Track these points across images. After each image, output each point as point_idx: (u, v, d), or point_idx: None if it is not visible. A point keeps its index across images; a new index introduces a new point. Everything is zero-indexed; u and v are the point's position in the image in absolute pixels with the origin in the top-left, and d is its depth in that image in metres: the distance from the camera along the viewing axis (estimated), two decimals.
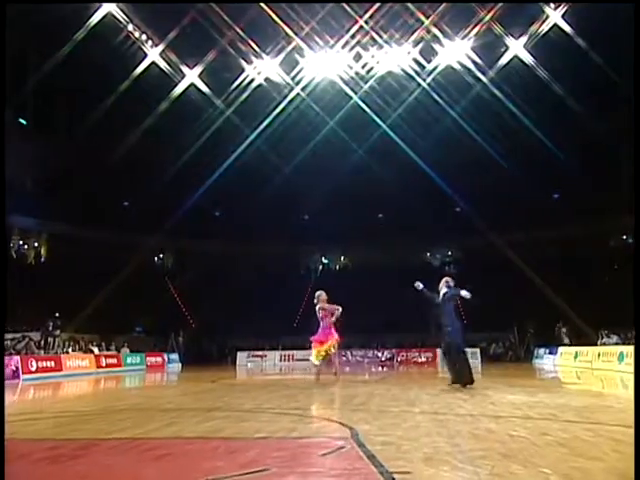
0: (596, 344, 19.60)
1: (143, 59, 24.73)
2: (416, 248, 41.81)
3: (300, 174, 32.07)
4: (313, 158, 30.16)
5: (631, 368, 14.40)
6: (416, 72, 24.50)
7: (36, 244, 37.91)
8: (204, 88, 26.39)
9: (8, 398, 8.81)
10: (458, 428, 4.50)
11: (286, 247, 38.37)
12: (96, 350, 22.96)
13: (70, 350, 21.48)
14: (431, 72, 24.37)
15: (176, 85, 26.04)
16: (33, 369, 15.26)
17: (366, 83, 24.80)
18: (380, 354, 26.79)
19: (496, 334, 28.93)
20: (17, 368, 14.65)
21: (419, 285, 10.29)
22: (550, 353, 22.49)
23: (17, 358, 14.96)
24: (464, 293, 9.89)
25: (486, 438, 4.03)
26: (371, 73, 25.01)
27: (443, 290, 10.14)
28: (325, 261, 44.52)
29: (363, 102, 25.39)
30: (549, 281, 26.28)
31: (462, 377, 9.18)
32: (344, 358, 26.52)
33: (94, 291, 26.79)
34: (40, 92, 29.93)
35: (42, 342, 18.95)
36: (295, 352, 25.83)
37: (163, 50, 25.05)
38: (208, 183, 30.89)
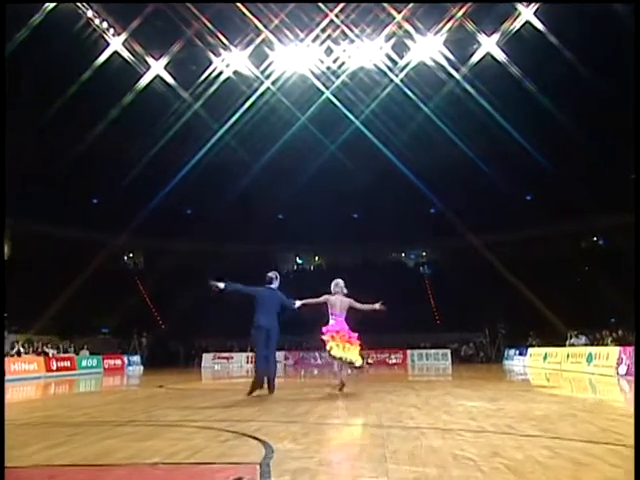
0: (565, 345, 19.31)
1: (105, 49, 23.69)
2: (391, 248, 41.62)
3: (271, 171, 31.44)
4: (284, 154, 29.50)
5: (599, 370, 14.05)
6: (389, 68, 24.02)
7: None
8: (170, 80, 25.47)
9: None
10: (396, 446, 3.86)
11: (259, 246, 37.63)
12: (51, 352, 21.90)
13: (22, 352, 20.42)
14: (403, 68, 23.90)
15: (141, 77, 25.06)
16: None
17: (338, 78, 24.20)
18: None
19: (468, 335, 28.66)
20: None
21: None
22: (520, 354, 22.19)
23: None
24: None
25: (425, 461, 3.39)
26: (343, 68, 24.43)
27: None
28: (299, 261, 43.92)
29: (335, 97, 24.78)
30: (520, 282, 26.07)
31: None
32: (312, 360, 25.96)
33: (59, 291, 25.82)
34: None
35: None
36: None
37: (126, 39, 24.07)
38: (177, 180, 30.05)
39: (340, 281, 9.02)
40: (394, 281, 34.08)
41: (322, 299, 8.90)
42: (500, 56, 24.03)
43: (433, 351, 25.93)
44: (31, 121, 28.93)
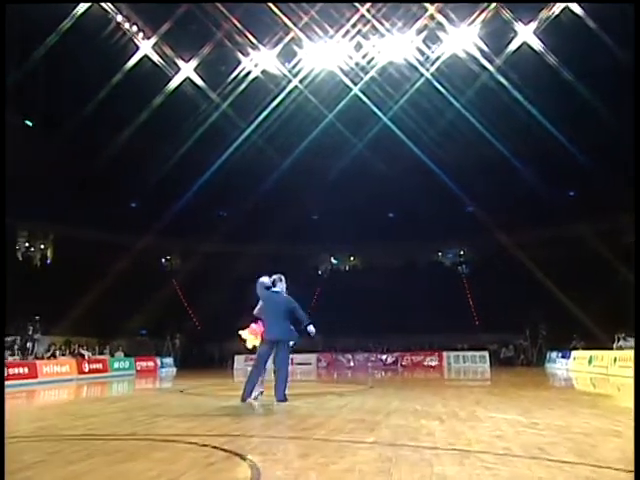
0: (612, 348, 18.17)
1: (135, 52, 23.82)
2: (427, 247, 40.66)
3: (301, 170, 31.21)
4: (313, 153, 29.12)
5: None
6: (419, 62, 23.24)
7: (42, 246, 37.60)
8: (200, 82, 25.42)
9: None
10: (402, 475, 3.34)
11: (293, 247, 37.36)
12: (86, 354, 22.11)
13: (58, 354, 20.66)
14: (435, 61, 23.06)
15: (171, 79, 25.11)
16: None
17: (366, 74, 23.58)
18: (384, 357, 25.52)
19: (507, 336, 27.55)
20: None
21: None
22: (563, 357, 21.08)
23: None
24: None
25: None
26: (372, 63, 23.80)
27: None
28: (334, 261, 43.46)
29: (364, 94, 24.16)
30: (563, 281, 24.90)
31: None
32: (346, 362, 25.44)
33: (98, 293, 26.15)
34: (39, 92, 29.56)
35: (21, 347, 18.08)
36: (295, 355, 24.64)
37: (156, 43, 24.14)
38: (209, 181, 30.08)
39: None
40: (431, 281, 33.25)
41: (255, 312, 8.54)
42: (537, 45, 22.95)
43: (470, 353, 24.99)
44: (64, 126, 29.61)
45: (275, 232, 33.70)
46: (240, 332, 8.75)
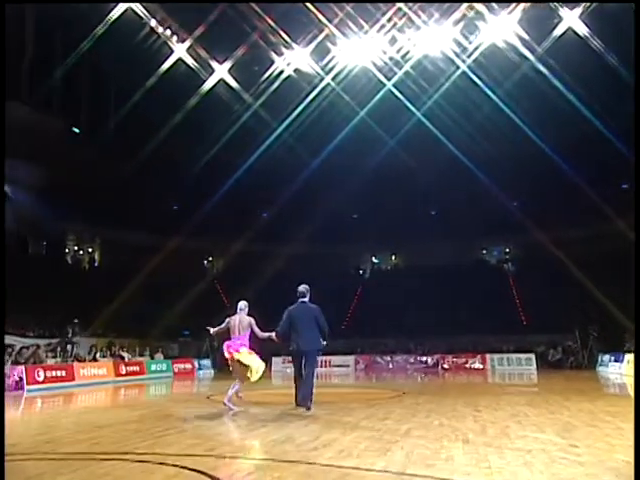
0: None
1: (169, 55, 23.96)
2: (471, 246, 39.52)
3: (338, 169, 30.82)
4: (348, 151, 28.63)
5: None
6: (455, 53, 22.35)
7: (90, 250, 38.71)
8: (233, 83, 25.36)
9: None
10: None
11: (334, 247, 37.04)
12: (126, 356, 22.41)
13: (99, 356, 21.02)
14: (472, 53, 22.09)
15: (205, 81, 25.15)
16: (40, 379, 14.58)
17: (401, 69, 22.86)
18: (424, 359, 24.76)
19: (556, 337, 26.27)
20: (21, 378, 14.01)
21: None
22: (615, 360, 19.84)
23: (21, 368, 14.31)
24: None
25: None
26: (407, 57, 23.05)
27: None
28: (375, 261, 42.88)
29: (397, 89, 23.45)
30: (615, 280, 23.51)
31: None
32: (385, 364, 24.81)
33: (140, 295, 26.56)
34: (80, 97, 30.37)
35: (60, 349, 18.44)
36: (332, 358, 24.30)
37: (190, 46, 24.21)
38: (246, 181, 30.11)
39: (242, 303, 8.75)
40: (475, 280, 32.22)
41: (223, 325, 8.68)
42: (583, 31, 21.64)
43: (515, 355, 23.86)
44: (105, 131, 30.31)
45: (315, 232, 33.45)
46: (241, 358, 8.38)
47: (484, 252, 41.18)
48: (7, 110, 27.01)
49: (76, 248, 38.65)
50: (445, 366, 24.00)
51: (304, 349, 8.25)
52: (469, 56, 22.17)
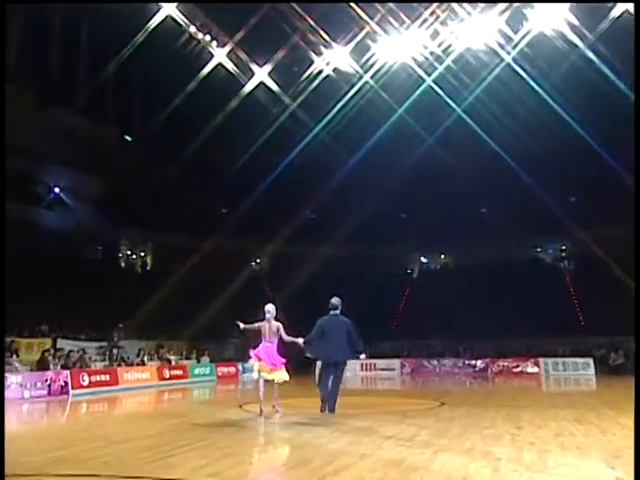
0: None
1: (209, 60, 24.18)
2: (524, 243, 38.00)
3: (379, 168, 30.36)
4: (389, 150, 28.11)
5: None
6: (500, 45, 21.36)
7: (142, 253, 39.69)
8: (273, 86, 25.36)
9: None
10: None
11: (383, 247, 36.51)
12: (173, 359, 22.72)
13: (146, 359, 21.37)
14: (517, 43, 21.02)
15: (245, 84, 25.26)
16: (85, 383, 14.92)
17: (442, 64, 22.10)
18: (473, 363, 23.86)
19: (617, 340, 24.69)
20: (66, 383, 14.36)
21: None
22: None
23: (66, 372, 14.68)
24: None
25: None
26: (448, 50, 22.27)
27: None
28: (424, 260, 41.99)
29: (437, 85, 22.72)
30: None
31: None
32: (432, 368, 24.11)
33: (191, 297, 26.94)
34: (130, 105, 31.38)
35: (107, 353, 18.87)
36: (378, 361, 23.83)
37: (231, 50, 24.35)
38: (291, 181, 30.17)
39: (269, 306, 9.06)
40: (529, 279, 30.90)
41: (256, 325, 9.08)
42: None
43: (572, 360, 22.59)
44: (154, 137, 31.05)
45: (362, 232, 33.10)
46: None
47: (538, 250, 39.60)
48: (62, 119, 28.33)
49: (129, 252, 39.66)
50: (495, 370, 23.07)
51: (335, 359, 8.81)
52: (514, 47, 21.15)
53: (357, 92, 24.32)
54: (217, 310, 27.79)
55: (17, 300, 21.88)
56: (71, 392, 14.30)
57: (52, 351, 17.17)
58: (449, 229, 34.83)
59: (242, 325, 9.12)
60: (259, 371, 8.86)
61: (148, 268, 39.25)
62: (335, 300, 9.15)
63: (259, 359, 8.88)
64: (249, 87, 25.23)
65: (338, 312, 9.10)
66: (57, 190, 30.44)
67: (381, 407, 9.93)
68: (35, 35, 26.23)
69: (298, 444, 6.35)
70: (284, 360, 9.01)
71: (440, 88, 22.99)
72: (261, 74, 25.31)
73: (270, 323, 8.91)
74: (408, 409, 9.80)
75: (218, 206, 37.57)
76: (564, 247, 38.68)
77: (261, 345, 8.91)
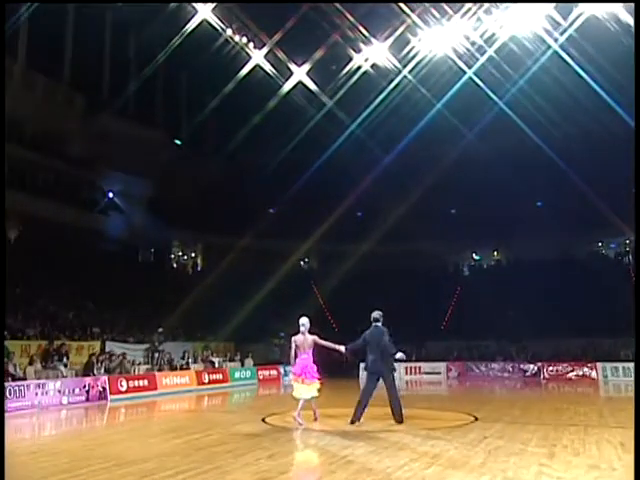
0: None
1: (246, 62, 24.21)
2: (585, 238, 36.00)
3: (439, 164, 29.55)
4: (428, 143, 27.34)
5: None
6: (547, 32, 20.08)
7: (193, 254, 40.46)
8: (312, 85, 25.11)
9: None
10: None
11: (432, 244, 35.60)
12: (217, 361, 22.85)
13: (190, 362, 21.58)
14: (566, 29, 19.66)
15: (283, 84, 25.16)
16: (123, 389, 15.16)
17: (483, 54, 21.09)
18: (525, 367, 22.66)
19: None
20: (104, 389, 14.62)
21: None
22: None
23: (104, 378, 14.93)
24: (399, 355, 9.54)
25: None
26: (492, 39, 21.22)
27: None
28: (476, 257, 40.61)
29: (478, 77, 21.74)
30: None
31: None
32: (480, 371, 23.09)
33: (239, 300, 27.09)
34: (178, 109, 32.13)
35: (148, 357, 19.14)
36: (422, 364, 23.09)
37: (269, 51, 24.27)
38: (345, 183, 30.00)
39: (304, 320, 9.56)
40: (591, 275, 29.18)
41: (292, 345, 9.62)
42: None
43: (633, 364, 21.04)
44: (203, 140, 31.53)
45: (410, 229, 32.37)
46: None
47: (599, 245, 37.50)
48: (114, 126, 29.28)
49: (180, 253, 40.48)
50: (547, 376, 21.84)
51: (379, 370, 9.32)
52: (562, 33, 19.83)
53: (396, 86, 23.64)
54: (263, 311, 27.86)
55: (71, 303, 22.79)
56: (109, 397, 14.56)
57: (97, 355, 17.55)
58: (503, 224, 33.48)
59: (292, 361, 9.63)
60: (293, 392, 9.51)
61: (199, 269, 39.89)
62: (376, 314, 9.64)
63: (294, 374, 9.55)
64: (288, 86, 25.04)
65: (379, 324, 9.56)
66: (111, 195, 31.36)
67: (406, 422, 9.43)
68: (82, 41, 27.15)
69: (303, 474, 6.01)
70: (317, 375, 9.43)
71: (481, 80, 21.99)
72: (299, 73, 24.95)
73: (305, 336, 9.42)
74: (435, 426, 9.23)
75: (265, 206, 37.79)
76: (628, 241, 36.36)
77: (298, 359, 9.47)
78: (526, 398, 16.04)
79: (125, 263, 30.48)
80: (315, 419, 9.61)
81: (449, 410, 11.63)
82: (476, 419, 10.07)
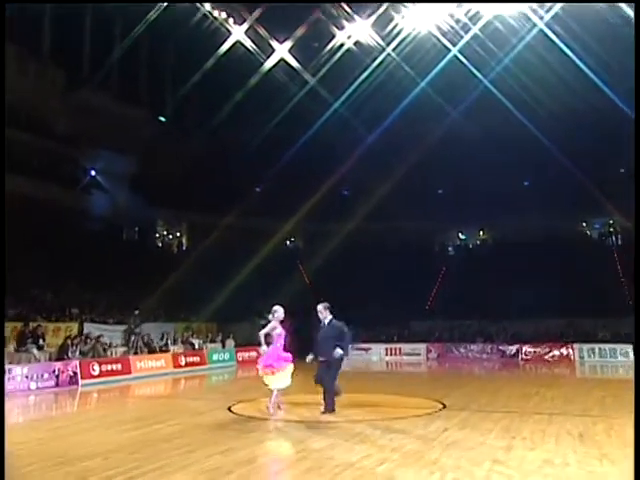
0: None
1: (227, 38, 23.65)
2: (570, 218, 36.00)
3: (424, 142, 29.27)
4: (412, 121, 27.04)
5: None
6: (533, 10, 19.67)
7: (178, 234, 40.00)
8: (294, 62, 24.61)
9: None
10: None
11: (417, 224, 35.48)
12: (196, 343, 22.70)
13: (170, 343, 21.37)
14: (552, 6, 19.24)
15: (264, 62, 24.65)
16: (95, 373, 15.01)
17: (467, 32, 20.70)
18: (504, 348, 22.79)
19: None
20: (75, 373, 14.46)
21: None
22: None
23: (75, 362, 14.76)
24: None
25: None
26: (476, 17, 20.79)
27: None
28: (462, 237, 40.56)
29: (462, 55, 21.39)
30: None
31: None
32: (459, 353, 23.21)
33: (221, 279, 26.84)
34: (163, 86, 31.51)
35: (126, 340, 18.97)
36: (403, 345, 23.18)
37: (249, 27, 23.69)
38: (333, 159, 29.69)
39: (276, 307, 9.51)
40: (574, 256, 29.29)
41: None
42: None
43: (609, 346, 21.20)
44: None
45: (399, 207, 32.26)
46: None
47: (584, 225, 37.57)
48: (95, 102, 28.62)
49: (165, 233, 40.00)
50: (525, 357, 22.00)
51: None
52: (548, 11, 19.43)
53: (380, 64, 23.24)
54: (248, 290, 27.66)
55: (50, 283, 22.43)
56: (80, 382, 14.41)
57: (73, 338, 17.27)
58: (489, 203, 33.38)
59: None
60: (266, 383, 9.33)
61: (184, 248, 39.48)
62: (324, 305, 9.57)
63: (262, 368, 9.45)
64: (270, 63, 24.51)
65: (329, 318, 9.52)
66: (93, 172, 30.81)
67: (371, 411, 9.38)
68: (64, 17, 26.36)
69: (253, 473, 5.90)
70: (288, 358, 9.38)
71: (466, 58, 21.62)
72: (281, 50, 24.44)
73: (276, 324, 9.38)
74: (400, 414, 9.19)
75: (250, 184, 37.35)
76: (612, 221, 36.44)
77: (267, 349, 9.48)
78: (499, 381, 16.10)
79: (109, 242, 30.04)
80: (279, 407, 9.45)
81: (419, 396, 11.58)
82: (444, 406, 10.04)
